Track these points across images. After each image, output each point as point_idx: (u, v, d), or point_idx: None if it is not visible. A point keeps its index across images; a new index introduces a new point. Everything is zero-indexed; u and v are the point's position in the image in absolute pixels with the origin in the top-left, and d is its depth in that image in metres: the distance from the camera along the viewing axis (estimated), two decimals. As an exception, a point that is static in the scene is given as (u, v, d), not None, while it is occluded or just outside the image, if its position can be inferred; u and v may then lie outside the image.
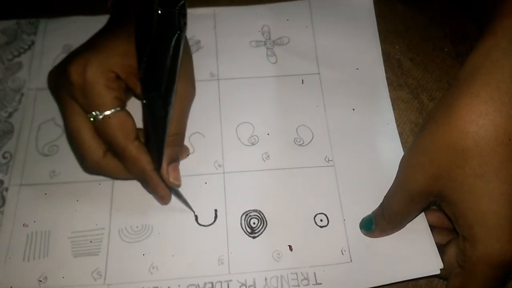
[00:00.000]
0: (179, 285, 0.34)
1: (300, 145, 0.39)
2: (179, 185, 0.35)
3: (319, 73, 0.43)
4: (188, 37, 0.44)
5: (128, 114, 0.34)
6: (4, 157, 0.39)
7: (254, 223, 0.36)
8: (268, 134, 0.40)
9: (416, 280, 0.35)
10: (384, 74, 0.42)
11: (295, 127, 0.40)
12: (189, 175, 0.38)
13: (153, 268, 0.35)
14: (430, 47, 0.44)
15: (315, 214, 0.37)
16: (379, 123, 0.40)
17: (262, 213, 0.37)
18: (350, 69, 0.43)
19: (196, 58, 0.43)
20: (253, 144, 0.40)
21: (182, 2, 0.31)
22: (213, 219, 0.37)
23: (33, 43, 0.44)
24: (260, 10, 0.46)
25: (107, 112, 0.33)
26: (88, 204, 0.36)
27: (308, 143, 0.39)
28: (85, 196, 0.37)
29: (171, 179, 0.35)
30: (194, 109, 0.41)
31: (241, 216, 0.37)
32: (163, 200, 0.36)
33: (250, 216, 0.37)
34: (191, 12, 0.45)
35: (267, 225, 0.36)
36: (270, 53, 0.44)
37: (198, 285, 0.34)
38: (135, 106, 0.38)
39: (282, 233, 0.36)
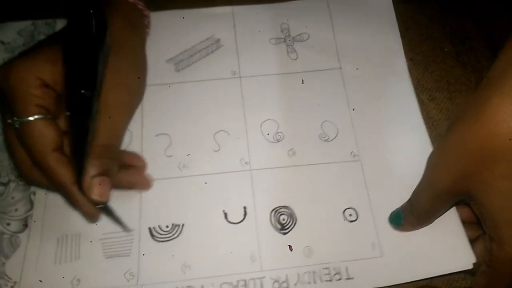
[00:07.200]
0: (212, 284, 0.34)
1: (325, 140, 0.39)
2: (104, 202, 0.32)
3: (340, 68, 0.43)
4: (207, 36, 0.44)
5: (51, 123, 0.32)
6: (29, 160, 0.38)
7: (283, 219, 0.36)
8: (293, 130, 0.40)
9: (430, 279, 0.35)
10: (406, 66, 0.42)
11: (320, 123, 0.40)
12: (216, 172, 0.38)
13: (185, 267, 0.35)
14: (430, 47, 0.44)
15: (344, 209, 0.37)
16: (403, 116, 0.40)
17: (291, 209, 0.37)
18: (371, 63, 0.43)
19: (217, 57, 0.43)
20: (278, 140, 0.39)
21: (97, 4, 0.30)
22: (242, 216, 0.36)
23: (52, 45, 0.43)
24: (278, 7, 0.46)
25: (29, 119, 0.31)
26: (117, 205, 0.36)
27: (333, 139, 0.39)
28: (113, 197, 0.36)
29: (93, 195, 0.31)
30: (218, 107, 0.41)
31: (271, 213, 0.37)
32: (89, 217, 0.34)
33: (279, 212, 0.37)
34: (210, 11, 0.45)
35: (297, 221, 0.36)
36: (291, 49, 0.44)
37: (231, 283, 0.34)
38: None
39: (312, 229, 0.36)
